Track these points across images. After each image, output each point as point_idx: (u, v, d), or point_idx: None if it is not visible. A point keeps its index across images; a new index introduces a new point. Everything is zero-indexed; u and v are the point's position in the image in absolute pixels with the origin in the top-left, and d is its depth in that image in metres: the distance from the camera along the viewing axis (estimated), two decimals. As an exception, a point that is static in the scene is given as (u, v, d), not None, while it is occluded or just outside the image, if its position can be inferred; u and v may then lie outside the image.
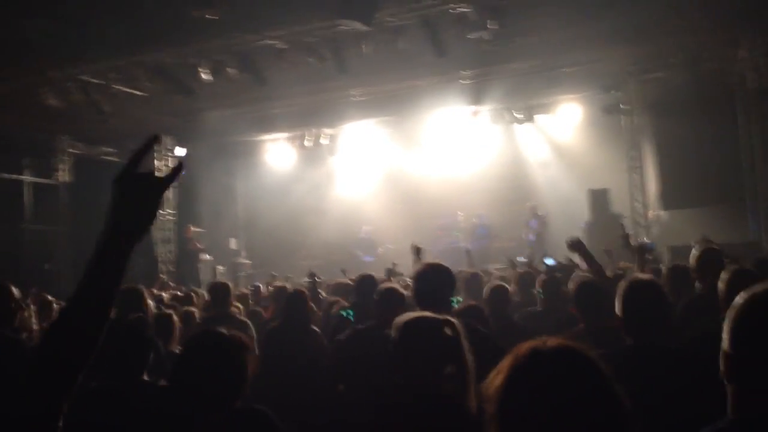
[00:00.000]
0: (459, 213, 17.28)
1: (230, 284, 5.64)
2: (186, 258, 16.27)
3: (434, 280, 3.63)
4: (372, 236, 17.23)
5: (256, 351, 4.78)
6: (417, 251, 6.73)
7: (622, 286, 3.27)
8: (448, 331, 2.56)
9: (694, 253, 4.97)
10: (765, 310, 1.65)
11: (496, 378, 1.42)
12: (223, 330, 2.58)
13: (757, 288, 1.71)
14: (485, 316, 4.51)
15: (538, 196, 16.69)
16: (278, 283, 8.50)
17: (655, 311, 3.14)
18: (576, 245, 5.74)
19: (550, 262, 8.35)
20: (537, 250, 15.01)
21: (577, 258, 6.80)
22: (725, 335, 1.68)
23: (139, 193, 1.42)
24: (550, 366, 1.38)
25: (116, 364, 3.31)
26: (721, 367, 1.68)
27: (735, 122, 14.48)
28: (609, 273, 6.11)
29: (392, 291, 4.16)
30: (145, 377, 3.47)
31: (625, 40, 12.70)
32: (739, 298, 1.70)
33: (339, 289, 7.65)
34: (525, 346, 1.44)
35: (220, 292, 5.02)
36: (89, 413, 2.65)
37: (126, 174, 1.43)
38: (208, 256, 16.95)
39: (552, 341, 1.44)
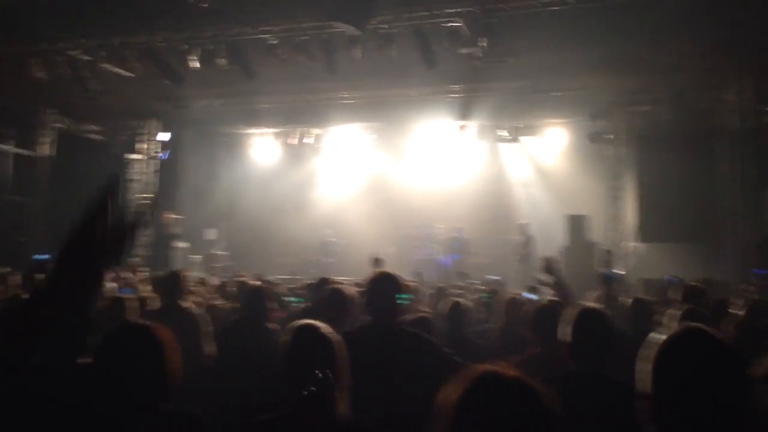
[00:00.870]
0: (438, 225, 17.34)
1: (188, 273, 5.59)
2: (161, 243, 16.15)
3: (382, 288, 3.68)
4: (334, 239, 17.31)
5: (204, 347, 4.76)
6: (375, 262, 6.94)
7: (571, 313, 3.31)
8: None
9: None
10: (686, 352, 1.67)
11: (448, 395, 1.43)
12: (148, 324, 2.50)
13: (676, 331, 1.72)
14: (431, 328, 4.54)
15: (518, 216, 16.75)
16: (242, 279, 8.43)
17: (600, 340, 3.17)
18: (550, 266, 5.76)
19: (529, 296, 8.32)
20: (522, 272, 15.02)
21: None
22: (645, 377, 1.70)
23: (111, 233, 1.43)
24: (499, 393, 1.41)
25: (53, 343, 3.27)
26: (641, 409, 1.69)
27: (716, 162, 14.66)
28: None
29: (339, 292, 4.23)
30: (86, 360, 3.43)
31: (614, 72, 12.82)
32: (661, 340, 1.72)
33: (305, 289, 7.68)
34: (478, 370, 1.46)
35: (170, 282, 4.95)
36: (18, 391, 2.62)
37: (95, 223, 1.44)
38: (183, 244, 16.83)
39: (504, 368, 1.46)
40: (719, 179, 14.58)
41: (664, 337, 1.73)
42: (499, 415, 1.38)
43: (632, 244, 14.99)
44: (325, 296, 4.30)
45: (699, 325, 1.77)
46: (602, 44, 11.40)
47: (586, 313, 3.32)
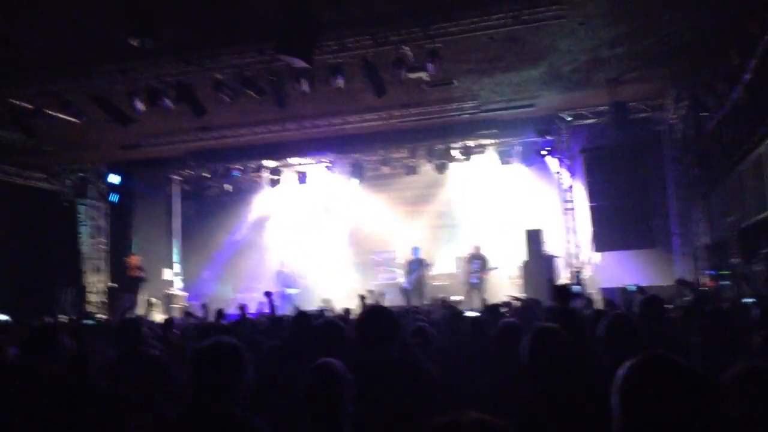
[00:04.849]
0: (394, 250, 17.54)
1: (147, 317, 5.47)
2: (129, 287, 15.82)
3: (374, 325, 3.60)
4: (292, 270, 17.16)
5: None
6: (362, 298, 7.21)
7: (529, 333, 3.34)
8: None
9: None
10: (647, 379, 1.71)
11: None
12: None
13: (639, 358, 1.76)
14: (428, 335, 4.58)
15: (475, 234, 16.91)
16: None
17: (557, 357, 3.20)
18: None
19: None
20: (478, 292, 15.19)
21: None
22: (613, 402, 1.73)
23: None
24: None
25: None
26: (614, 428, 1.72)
27: (662, 169, 15.10)
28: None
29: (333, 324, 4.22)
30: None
31: (559, 87, 13.16)
32: (623, 368, 1.75)
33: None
34: (445, 419, 1.45)
35: (129, 329, 4.81)
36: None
37: None
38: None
39: (472, 416, 1.45)
40: (666, 186, 15.02)
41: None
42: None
43: (587, 255, 15.25)
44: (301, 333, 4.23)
45: (658, 352, 1.80)
46: (545, 63, 11.71)
47: (541, 332, 3.34)
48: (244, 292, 17.68)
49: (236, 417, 2.67)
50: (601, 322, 3.55)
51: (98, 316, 14.64)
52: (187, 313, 8.06)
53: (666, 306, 5.41)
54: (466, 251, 16.21)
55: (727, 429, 1.79)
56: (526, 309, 6.22)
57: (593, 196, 14.97)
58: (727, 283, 11.72)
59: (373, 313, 3.65)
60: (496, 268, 15.81)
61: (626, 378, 1.72)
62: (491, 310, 6.97)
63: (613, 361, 2.27)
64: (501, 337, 4.54)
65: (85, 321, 7.90)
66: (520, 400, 3.05)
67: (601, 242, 14.99)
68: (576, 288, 9.19)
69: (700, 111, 13.10)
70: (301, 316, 5.63)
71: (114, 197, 17.81)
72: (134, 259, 15.83)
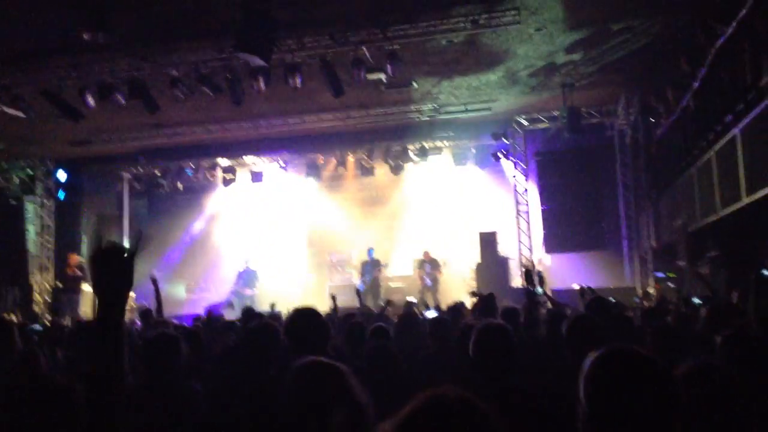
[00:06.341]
0: (350, 251, 17.51)
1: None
2: (68, 288, 15.34)
3: (303, 326, 3.51)
4: (255, 269, 16.90)
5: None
6: (332, 299, 7.23)
7: (474, 330, 3.36)
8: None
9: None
10: (611, 370, 1.75)
11: (393, 420, 1.40)
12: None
13: (603, 350, 1.80)
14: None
15: (430, 236, 17.01)
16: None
17: (502, 354, 3.23)
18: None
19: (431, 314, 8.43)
20: (432, 293, 15.29)
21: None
22: (581, 395, 1.77)
23: (110, 266, 1.62)
24: (448, 415, 1.38)
25: None
26: (579, 423, 1.76)
27: (612, 173, 15.45)
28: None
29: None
30: None
31: (516, 92, 13.35)
32: (588, 359, 1.79)
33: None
34: (426, 393, 1.44)
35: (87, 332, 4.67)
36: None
37: (95, 252, 1.63)
38: (88, 287, 16.10)
39: (451, 390, 1.44)
40: (617, 190, 15.38)
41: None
42: None
43: (538, 257, 15.49)
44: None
45: (622, 344, 1.85)
46: (501, 67, 11.87)
47: (487, 329, 3.36)
48: (198, 292, 17.43)
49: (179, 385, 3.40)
50: (564, 322, 3.61)
51: (45, 318, 14.25)
52: (144, 313, 7.74)
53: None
54: (418, 256, 16.27)
55: (687, 418, 1.85)
56: (485, 304, 6.27)
57: (545, 199, 15.23)
58: (672, 285, 12.06)
59: (303, 316, 3.52)
60: (445, 262, 15.89)
61: (591, 368, 1.77)
62: (453, 309, 7.04)
63: (575, 359, 2.31)
64: (463, 336, 4.57)
65: (32, 326, 7.59)
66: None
67: (552, 244, 15.26)
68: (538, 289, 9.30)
69: (651, 117, 13.44)
70: (248, 315, 5.51)
71: (61, 194, 17.33)
72: (74, 258, 15.40)
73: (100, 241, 1.64)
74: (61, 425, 2.02)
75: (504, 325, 3.39)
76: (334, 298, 7.35)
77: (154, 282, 7.13)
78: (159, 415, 3.42)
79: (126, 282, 1.64)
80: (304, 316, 3.45)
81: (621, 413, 1.69)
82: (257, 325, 4.05)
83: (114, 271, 1.62)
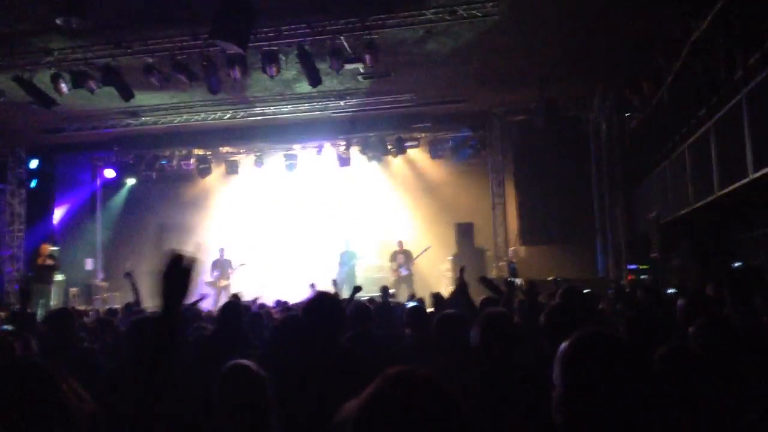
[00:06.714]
0: (326, 241, 17.49)
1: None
2: (39, 277, 15.09)
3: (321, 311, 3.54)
4: (230, 258, 16.73)
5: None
6: (312, 287, 7.25)
7: (479, 317, 3.42)
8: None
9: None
10: (585, 352, 1.77)
11: (358, 399, 1.40)
12: None
13: (577, 334, 1.82)
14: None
15: (407, 228, 17.04)
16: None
17: (506, 338, 3.29)
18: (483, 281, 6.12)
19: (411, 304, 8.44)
20: (406, 283, 15.34)
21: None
22: (556, 378, 1.78)
23: (175, 279, 1.83)
24: (412, 395, 1.38)
25: None
26: (554, 404, 1.77)
27: (587, 166, 15.58)
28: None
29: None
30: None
31: (493, 84, 13.38)
32: (566, 342, 1.81)
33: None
34: (391, 372, 1.44)
35: (61, 320, 4.58)
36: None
37: (167, 270, 1.83)
38: (60, 276, 15.87)
39: (417, 371, 1.45)
40: (591, 182, 15.51)
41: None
42: (407, 417, 1.36)
43: (512, 248, 15.59)
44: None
45: (596, 327, 1.88)
46: (477, 60, 11.88)
47: (492, 315, 3.43)
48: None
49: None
50: (543, 312, 3.66)
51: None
52: (126, 306, 7.83)
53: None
54: (392, 248, 16.27)
55: (660, 401, 1.89)
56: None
57: (521, 191, 15.31)
58: (645, 276, 12.21)
59: (320, 300, 3.60)
60: (428, 247, 15.87)
61: (565, 350, 1.79)
62: (436, 297, 7.15)
63: (552, 348, 2.34)
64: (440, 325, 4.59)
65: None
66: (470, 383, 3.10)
67: (527, 236, 15.37)
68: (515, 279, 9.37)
69: (625, 110, 13.57)
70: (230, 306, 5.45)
71: (33, 183, 17.05)
72: (45, 248, 15.18)
73: (174, 258, 1.84)
74: (41, 402, 1.99)
75: (507, 312, 3.44)
76: (313, 286, 7.40)
77: (129, 276, 7.38)
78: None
79: (186, 290, 1.83)
80: (323, 301, 3.54)
81: (594, 394, 1.70)
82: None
83: (179, 281, 1.82)
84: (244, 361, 2.85)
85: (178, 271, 1.86)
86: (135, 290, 7.15)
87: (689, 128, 9.28)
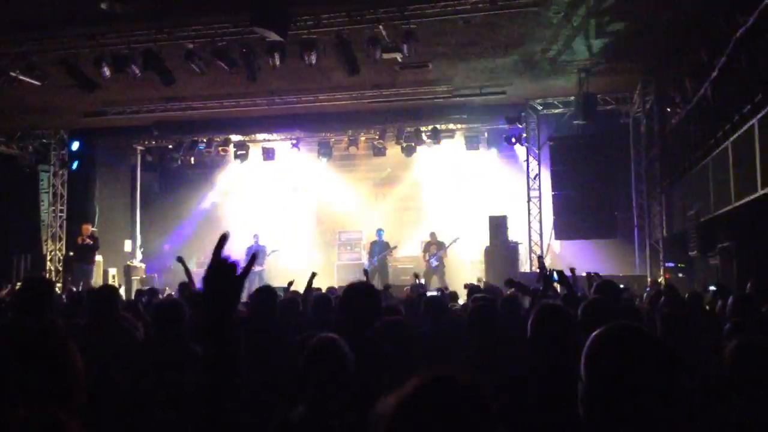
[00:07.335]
0: (360, 231, 17.54)
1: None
2: (80, 256, 15.44)
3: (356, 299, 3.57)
4: (264, 245, 16.86)
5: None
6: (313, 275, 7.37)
7: (533, 311, 3.36)
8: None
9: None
10: (611, 346, 1.75)
11: (394, 398, 1.39)
12: None
13: (604, 327, 1.80)
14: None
15: (441, 219, 17.00)
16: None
17: (560, 335, 3.21)
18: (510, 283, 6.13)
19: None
20: (438, 275, 15.33)
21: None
22: (580, 368, 1.77)
23: (221, 286, 1.58)
24: (455, 399, 1.37)
25: None
26: (579, 397, 1.76)
27: (626, 161, 15.34)
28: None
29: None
30: None
31: (531, 76, 13.24)
32: (592, 336, 1.79)
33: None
34: (433, 372, 1.44)
35: (104, 296, 4.65)
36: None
37: (210, 273, 1.59)
38: (99, 257, 16.19)
39: (461, 375, 1.43)
40: (629, 178, 15.28)
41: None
42: (446, 422, 1.34)
43: (547, 243, 15.45)
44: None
45: (624, 321, 1.84)
46: (517, 50, 11.77)
47: (546, 310, 3.35)
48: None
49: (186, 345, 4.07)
50: (580, 307, 3.61)
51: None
52: (182, 286, 8.12)
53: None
54: (425, 239, 16.26)
55: (685, 398, 1.86)
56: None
57: (557, 185, 15.12)
58: (682, 275, 12.03)
59: (357, 291, 3.56)
60: (457, 238, 15.86)
61: (591, 344, 1.76)
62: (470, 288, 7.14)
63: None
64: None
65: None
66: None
67: (563, 231, 15.19)
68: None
69: (667, 106, 13.32)
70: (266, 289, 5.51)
71: (74, 165, 17.41)
72: (86, 228, 15.51)
73: (219, 260, 1.61)
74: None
75: (562, 306, 3.37)
76: (314, 275, 7.61)
77: (181, 260, 7.82)
78: (163, 369, 3.91)
79: (235, 301, 1.61)
80: (359, 291, 3.51)
81: (616, 388, 1.68)
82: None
83: (226, 288, 1.60)
84: (332, 335, 2.87)
85: (227, 269, 1.61)
86: (187, 272, 7.50)
87: (732, 124, 9.07)
